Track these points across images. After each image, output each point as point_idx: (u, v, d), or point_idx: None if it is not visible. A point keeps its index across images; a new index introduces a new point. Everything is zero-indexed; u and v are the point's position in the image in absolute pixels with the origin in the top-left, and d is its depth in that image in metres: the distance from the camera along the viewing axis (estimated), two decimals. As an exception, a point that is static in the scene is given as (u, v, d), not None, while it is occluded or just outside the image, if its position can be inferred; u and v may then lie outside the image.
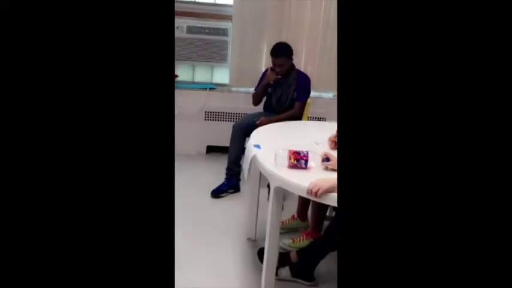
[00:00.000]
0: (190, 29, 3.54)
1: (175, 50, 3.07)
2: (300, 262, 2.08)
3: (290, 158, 1.81)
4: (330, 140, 2.15)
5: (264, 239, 1.93)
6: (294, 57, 3.00)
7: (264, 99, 3.16)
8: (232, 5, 3.50)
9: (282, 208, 2.02)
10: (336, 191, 1.56)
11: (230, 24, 3.55)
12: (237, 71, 3.66)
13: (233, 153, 2.99)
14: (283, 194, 1.86)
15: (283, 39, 3.19)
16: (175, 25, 3.25)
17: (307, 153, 1.82)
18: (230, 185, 3.02)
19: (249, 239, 2.46)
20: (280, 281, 2.05)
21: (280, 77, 2.96)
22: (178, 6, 3.34)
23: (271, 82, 3.02)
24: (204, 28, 3.58)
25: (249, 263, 2.24)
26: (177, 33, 3.30)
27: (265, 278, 1.90)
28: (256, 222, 2.43)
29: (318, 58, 3.68)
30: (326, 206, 2.25)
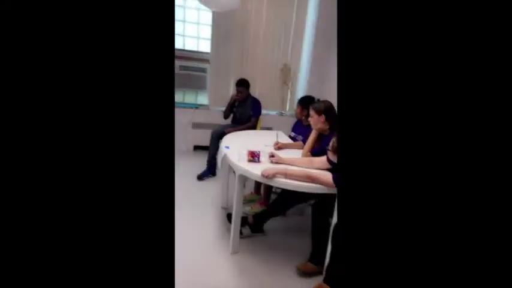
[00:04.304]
0: (181, 67, 3.91)
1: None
2: (254, 222, 2.37)
3: (248, 155, 2.09)
4: (274, 143, 2.50)
5: (232, 207, 2.17)
6: (250, 87, 3.44)
7: (231, 115, 3.54)
8: (209, 53, 4.02)
9: (244, 186, 2.28)
10: (278, 176, 1.85)
11: (208, 65, 4.04)
12: (213, 96, 4.11)
13: (211, 151, 3.32)
14: (244, 178, 2.09)
15: (244, 76, 3.58)
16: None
17: (259, 152, 2.11)
18: (209, 172, 3.39)
19: (222, 207, 2.78)
20: (241, 239, 2.28)
21: (239, 98, 3.37)
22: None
23: (236, 104, 3.43)
24: (190, 67, 3.94)
25: (222, 223, 2.55)
26: (173, 71, 3.67)
27: (233, 233, 2.17)
28: (227, 196, 2.77)
29: (267, 88, 4.20)
30: (271, 186, 2.44)
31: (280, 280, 2.03)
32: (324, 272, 2.02)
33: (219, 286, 1.93)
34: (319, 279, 2.02)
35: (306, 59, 4.28)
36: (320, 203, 2.13)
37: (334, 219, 1.93)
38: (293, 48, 4.21)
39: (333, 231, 1.90)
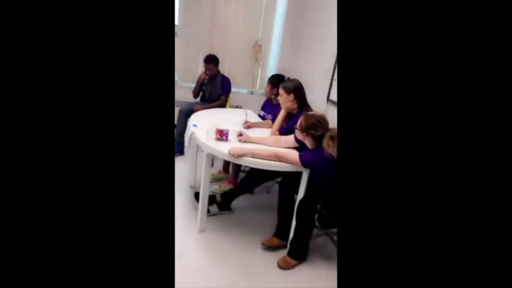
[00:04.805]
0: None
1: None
2: (223, 200, 2.42)
3: (216, 134, 2.08)
4: (243, 121, 2.50)
5: (200, 186, 2.19)
6: (219, 64, 3.39)
7: (200, 93, 3.51)
8: (177, 25, 3.85)
9: (212, 165, 2.35)
10: (246, 155, 1.87)
11: (176, 38, 3.84)
12: (181, 71, 4.00)
13: (179, 129, 3.28)
14: (212, 157, 2.10)
15: (214, 51, 3.50)
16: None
17: (228, 130, 2.10)
18: (177, 150, 3.37)
19: (190, 186, 2.78)
20: (209, 217, 2.32)
21: (208, 77, 3.32)
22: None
23: (205, 81, 3.37)
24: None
25: (190, 202, 2.56)
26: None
27: (200, 211, 2.20)
28: (195, 175, 2.77)
29: (237, 66, 4.17)
30: (240, 164, 2.48)
31: (246, 255, 2.10)
32: (288, 246, 2.11)
33: (187, 263, 1.96)
34: (283, 253, 2.13)
35: (277, 36, 4.26)
36: (287, 180, 2.18)
37: (300, 196, 2.00)
38: (264, 26, 4.18)
39: (298, 207, 1.99)
